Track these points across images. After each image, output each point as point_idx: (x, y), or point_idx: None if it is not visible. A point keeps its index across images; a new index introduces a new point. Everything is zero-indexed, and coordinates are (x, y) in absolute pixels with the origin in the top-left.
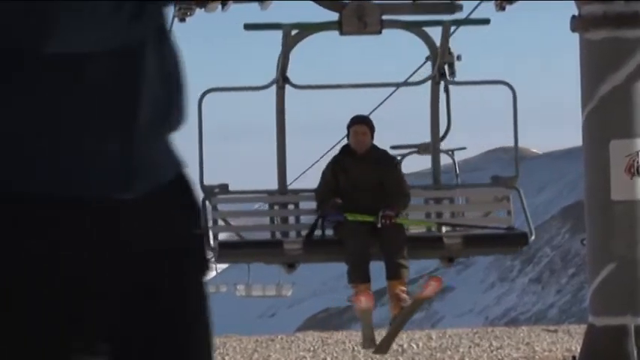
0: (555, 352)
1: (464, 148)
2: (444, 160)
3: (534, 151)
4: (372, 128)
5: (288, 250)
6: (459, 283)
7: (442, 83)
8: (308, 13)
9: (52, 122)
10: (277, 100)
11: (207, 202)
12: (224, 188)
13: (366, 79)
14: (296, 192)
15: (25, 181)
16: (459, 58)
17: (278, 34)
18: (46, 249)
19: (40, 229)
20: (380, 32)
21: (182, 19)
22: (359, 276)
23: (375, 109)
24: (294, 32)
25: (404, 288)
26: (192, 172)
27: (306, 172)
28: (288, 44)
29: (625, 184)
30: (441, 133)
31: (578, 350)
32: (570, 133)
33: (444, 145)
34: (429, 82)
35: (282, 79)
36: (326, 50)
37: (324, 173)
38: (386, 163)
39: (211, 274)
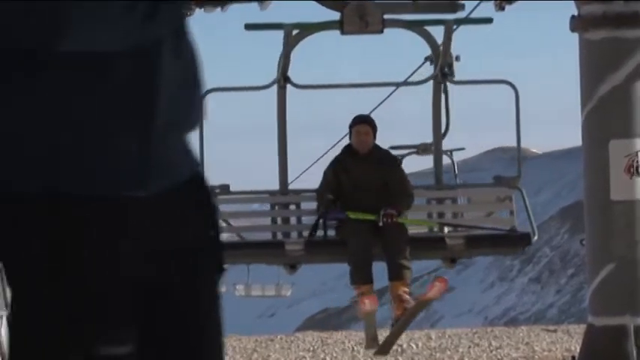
0: (555, 352)
1: (462, 149)
2: (444, 160)
3: (534, 151)
4: (374, 128)
5: (290, 251)
6: (459, 283)
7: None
8: (309, 12)
9: (68, 121)
10: (278, 100)
11: None
12: (225, 189)
13: (368, 78)
14: (297, 192)
15: (40, 179)
16: (457, 58)
17: (278, 34)
18: (62, 245)
19: (56, 226)
20: (381, 32)
21: None
22: (361, 277)
23: (375, 108)
24: (295, 32)
25: (406, 289)
26: None
27: (308, 173)
28: (290, 44)
29: (624, 184)
30: (432, 134)
31: (578, 350)
32: (570, 133)
33: (442, 146)
34: (429, 82)
35: (283, 79)
36: (327, 50)
37: (325, 173)
38: (389, 163)
39: None
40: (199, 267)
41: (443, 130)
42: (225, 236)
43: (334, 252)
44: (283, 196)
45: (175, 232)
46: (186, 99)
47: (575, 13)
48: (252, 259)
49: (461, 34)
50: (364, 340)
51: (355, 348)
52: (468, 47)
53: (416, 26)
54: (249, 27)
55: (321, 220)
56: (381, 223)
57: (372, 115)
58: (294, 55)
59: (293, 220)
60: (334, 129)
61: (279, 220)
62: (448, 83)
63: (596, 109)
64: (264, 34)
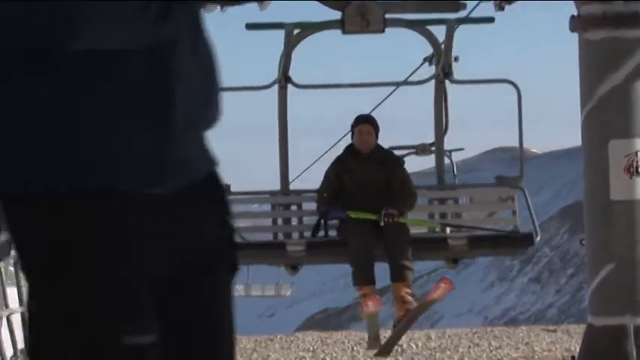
0: (554, 352)
1: (461, 149)
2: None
3: (534, 151)
4: (376, 128)
5: (291, 252)
6: (458, 283)
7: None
8: (310, 12)
9: (82, 120)
10: (279, 99)
11: None
12: (226, 189)
13: (370, 78)
14: (298, 192)
15: (59, 175)
16: (456, 59)
17: (279, 34)
18: (84, 238)
19: (75, 222)
20: (383, 31)
21: None
22: (363, 278)
23: (374, 108)
24: (296, 31)
25: (409, 290)
26: None
27: (310, 173)
28: (291, 43)
29: (624, 184)
30: (434, 134)
31: (577, 350)
32: (570, 133)
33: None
34: (427, 82)
35: (284, 79)
36: (328, 50)
37: (327, 173)
38: (392, 163)
39: None
40: (213, 265)
41: (443, 130)
42: None
43: (336, 253)
44: (284, 196)
45: (190, 229)
46: (203, 97)
47: (575, 13)
48: (253, 260)
49: (459, 33)
50: (367, 340)
51: (355, 348)
52: (467, 47)
53: (417, 25)
54: (250, 27)
55: (322, 221)
56: (382, 223)
57: (373, 115)
58: (295, 54)
59: (294, 220)
60: (336, 129)
61: (280, 221)
62: (446, 83)
63: (596, 109)
64: (265, 34)
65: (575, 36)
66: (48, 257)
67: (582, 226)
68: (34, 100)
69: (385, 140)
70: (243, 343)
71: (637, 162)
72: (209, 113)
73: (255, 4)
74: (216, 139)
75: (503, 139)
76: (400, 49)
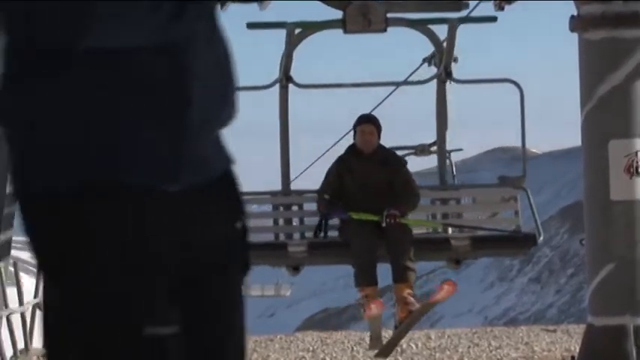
0: (554, 352)
1: (460, 150)
2: None
3: (533, 151)
4: (378, 128)
5: (293, 253)
6: (458, 283)
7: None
8: (311, 12)
9: (96, 118)
10: (280, 99)
11: None
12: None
13: (373, 78)
14: (300, 193)
15: (74, 172)
16: (455, 60)
17: (280, 33)
18: (104, 232)
19: (95, 216)
20: (385, 30)
21: None
22: (365, 279)
23: (374, 109)
24: (297, 31)
25: (410, 291)
26: None
27: (311, 173)
28: (292, 43)
29: (624, 184)
30: (436, 134)
31: (577, 350)
32: (569, 133)
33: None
34: (429, 82)
35: (285, 79)
36: (330, 49)
37: (328, 172)
38: (394, 164)
39: None
40: (225, 264)
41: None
42: None
43: (337, 253)
44: (285, 196)
45: (204, 227)
46: (219, 95)
47: (575, 13)
48: (254, 261)
49: (458, 33)
50: (369, 340)
51: (355, 348)
52: (467, 47)
53: (419, 25)
54: (251, 26)
55: (323, 221)
56: (384, 224)
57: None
58: (296, 54)
59: (295, 221)
60: (336, 129)
61: (281, 221)
62: (444, 83)
63: (596, 109)
64: (266, 33)
65: (575, 36)
66: (66, 253)
67: (582, 226)
68: (47, 99)
69: (385, 140)
70: None
71: (637, 162)
72: (225, 111)
73: (255, 4)
74: None
75: (503, 139)
76: (402, 48)
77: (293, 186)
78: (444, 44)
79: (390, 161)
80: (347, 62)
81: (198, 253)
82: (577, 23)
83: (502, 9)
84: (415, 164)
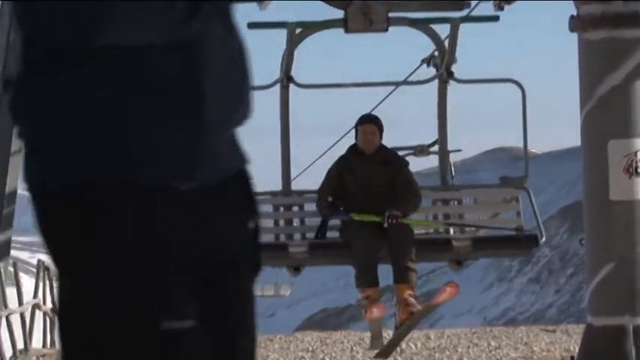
0: (554, 352)
1: (459, 150)
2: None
3: (533, 151)
4: (380, 128)
5: (294, 253)
6: (458, 283)
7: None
8: (312, 11)
9: (111, 117)
10: (281, 99)
11: None
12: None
13: (375, 77)
14: (300, 193)
15: (93, 169)
16: (454, 60)
17: (280, 33)
18: (121, 229)
19: (110, 213)
20: (386, 30)
21: None
22: (367, 280)
23: (373, 109)
24: (298, 30)
25: (411, 292)
26: None
27: (311, 173)
28: (293, 42)
29: (624, 184)
30: (438, 134)
31: (577, 350)
32: (569, 133)
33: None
34: (430, 82)
35: (286, 78)
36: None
37: (329, 171)
38: (396, 164)
39: None
40: (236, 263)
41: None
42: None
43: (338, 254)
44: (286, 197)
45: (216, 226)
46: (234, 94)
47: (574, 13)
48: None
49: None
50: (368, 340)
51: (354, 348)
52: (467, 47)
53: (421, 24)
54: (252, 26)
55: (325, 222)
56: (385, 224)
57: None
58: (297, 53)
59: (296, 221)
60: (337, 129)
61: (281, 222)
62: (446, 83)
63: (596, 109)
64: (266, 33)
65: (574, 36)
66: (79, 252)
67: (582, 226)
68: (59, 98)
69: (385, 140)
70: None
71: (636, 162)
72: (240, 110)
73: (255, 4)
74: None
75: (502, 139)
76: (404, 48)
77: (293, 186)
78: (446, 44)
79: (392, 161)
80: (347, 62)
81: (211, 251)
82: (576, 23)
83: (502, 9)
84: (414, 165)
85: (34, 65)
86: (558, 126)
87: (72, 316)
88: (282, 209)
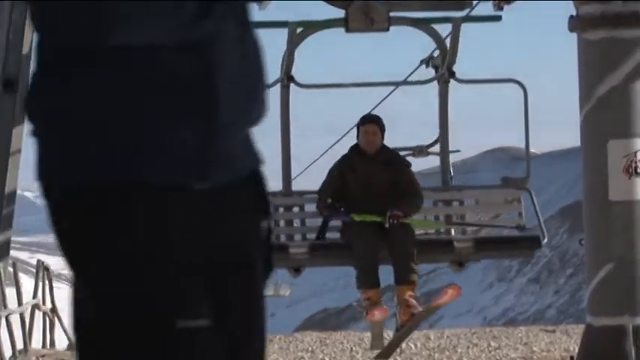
0: (553, 353)
1: (458, 151)
2: (439, 161)
3: (533, 151)
4: (382, 128)
5: (294, 254)
6: (458, 283)
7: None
8: (313, 11)
9: (124, 116)
10: (282, 99)
11: None
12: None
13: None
14: (301, 193)
15: (104, 169)
16: None
17: (281, 32)
18: (139, 228)
19: (127, 212)
20: (387, 29)
21: None
22: (368, 281)
23: (373, 109)
24: (299, 30)
25: (413, 293)
26: None
27: (313, 174)
28: (294, 42)
29: (623, 185)
30: (437, 134)
31: (576, 350)
32: (569, 133)
33: (439, 147)
34: (431, 82)
35: (286, 78)
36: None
37: (331, 170)
38: (398, 164)
39: None
40: (248, 264)
41: (439, 132)
42: None
43: (339, 255)
44: (286, 197)
45: (229, 226)
46: (248, 93)
47: (574, 13)
48: None
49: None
50: (369, 340)
51: (354, 348)
52: (467, 47)
53: (422, 24)
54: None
55: (325, 223)
56: (387, 225)
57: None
58: (298, 53)
59: (296, 222)
60: (337, 128)
61: (282, 223)
62: (447, 83)
63: (595, 109)
64: (267, 33)
65: (574, 36)
66: (92, 251)
67: (582, 226)
68: (71, 99)
69: (385, 140)
70: None
71: (636, 162)
72: (255, 110)
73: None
74: None
75: (502, 139)
76: (404, 48)
77: (293, 185)
78: (447, 43)
79: (394, 162)
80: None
81: (223, 251)
82: (576, 23)
83: (501, 9)
84: (413, 165)
85: (47, 65)
86: (558, 126)
87: (86, 315)
88: (282, 210)
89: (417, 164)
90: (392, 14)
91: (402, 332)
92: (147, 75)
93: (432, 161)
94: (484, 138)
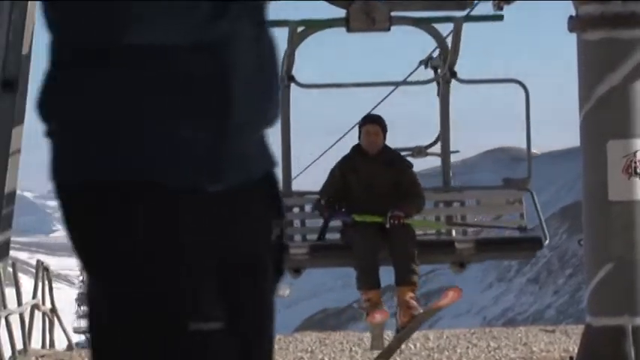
0: (553, 353)
1: (457, 152)
2: (439, 162)
3: (533, 151)
4: (384, 128)
5: (294, 255)
6: (457, 284)
7: (443, 82)
8: (314, 11)
9: (136, 116)
10: (282, 99)
11: None
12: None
13: (375, 77)
14: (301, 194)
15: (117, 169)
16: None
17: (281, 32)
18: (152, 229)
19: (140, 212)
20: (388, 29)
21: None
22: (368, 282)
23: (373, 109)
24: (300, 29)
25: (413, 295)
26: None
27: (314, 174)
28: (294, 42)
29: (623, 185)
30: (437, 135)
31: (576, 351)
32: (569, 133)
33: (437, 148)
34: (431, 82)
35: (287, 78)
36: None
37: (332, 170)
38: (399, 165)
39: None
40: (259, 266)
41: (439, 132)
42: None
43: (340, 256)
44: (287, 198)
45: (241, 228)
46: (263, 94)
47: (574, 14)
48: None
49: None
50: (369, 340)
51: (353, 349)
52: (467, 47)
53: (423, 23)
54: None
55: (326, 224)
56: (387, 225)
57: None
58: (298, 53)
59: (296, 222)
60: (337, 128)
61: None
62: (448, 83)
63: (595, 109)
64: None
65: (574, 36)
66: (105, 251)
67: (581, 226)
68: (84, 98)
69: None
70: None
71: (635, 162)
72: (269, 110)
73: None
74: None
75: (502, 139)
76: (404, 48)
77: (293, 185)
78: (448, 43)
79: (396, 162)
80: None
81: (236, 253)
82: (576, 23)
83: (501, 9)
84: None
85: (60, 65)
86: (558, 126)
87: (99, 314)
88: None
89: (416, 165)
90: (393, 14)
91: (403, 334)
92: (161, 75)
93: (432, 162)
94: (484, 138)
